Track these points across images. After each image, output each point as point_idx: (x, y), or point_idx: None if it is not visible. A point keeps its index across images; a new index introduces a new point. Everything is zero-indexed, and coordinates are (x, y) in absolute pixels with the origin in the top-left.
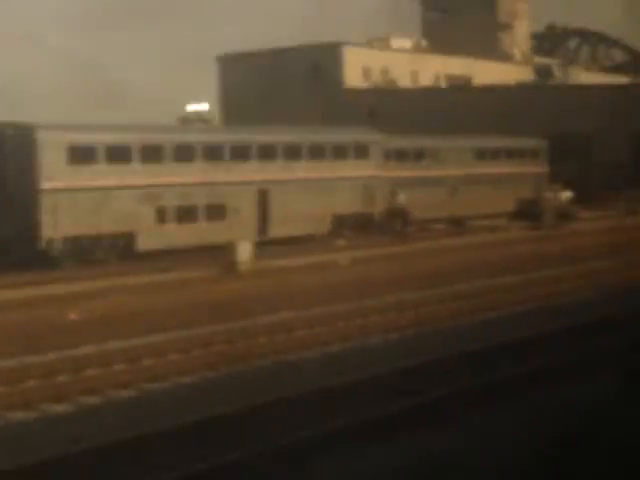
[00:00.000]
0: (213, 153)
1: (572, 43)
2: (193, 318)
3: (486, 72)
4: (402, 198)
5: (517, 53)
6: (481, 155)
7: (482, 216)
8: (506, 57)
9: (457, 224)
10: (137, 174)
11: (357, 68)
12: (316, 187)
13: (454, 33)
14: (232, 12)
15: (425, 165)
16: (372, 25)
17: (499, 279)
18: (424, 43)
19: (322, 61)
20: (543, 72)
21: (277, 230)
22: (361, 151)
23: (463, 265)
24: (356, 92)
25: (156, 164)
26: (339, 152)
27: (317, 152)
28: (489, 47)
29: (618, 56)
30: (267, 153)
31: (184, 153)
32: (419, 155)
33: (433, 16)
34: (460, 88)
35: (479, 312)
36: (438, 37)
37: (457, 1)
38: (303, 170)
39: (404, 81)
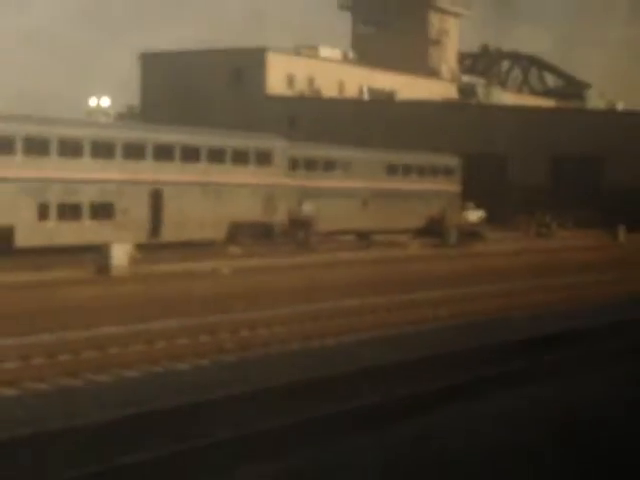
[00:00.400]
0: (103, 150)
1: (505, 65)
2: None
3: (412, 87)
4: (308, 208)
5: (445, 70)
6: (393, 169)
7: (391, 231)
8: (434, 73)
9: (363, 238)
10: (19, 166)
11: (281, 75)
12: (213, 192)
13: (383, 47)
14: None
15: (335, 176)
16: (303, 35)
17: (370, 298)
18: (352, 55)
19: (245, 65)
20: (467, 91)
21: (170, 234)
22: (263, 157)
23: (340, 281)
24: (278, 99)
25: (40, 157)
26: (239, 157)
27: (216, 155)
28: (418, 63)
29: (550, 80)
30: (163, 153)
31: (71, 148)
32: (329, 165)
33: (363, 29)
34: (382, 101)
35: (331, 335)
36: (367, 50)
37: (388, 15)
38: (200, 173)
39: (330, 91)
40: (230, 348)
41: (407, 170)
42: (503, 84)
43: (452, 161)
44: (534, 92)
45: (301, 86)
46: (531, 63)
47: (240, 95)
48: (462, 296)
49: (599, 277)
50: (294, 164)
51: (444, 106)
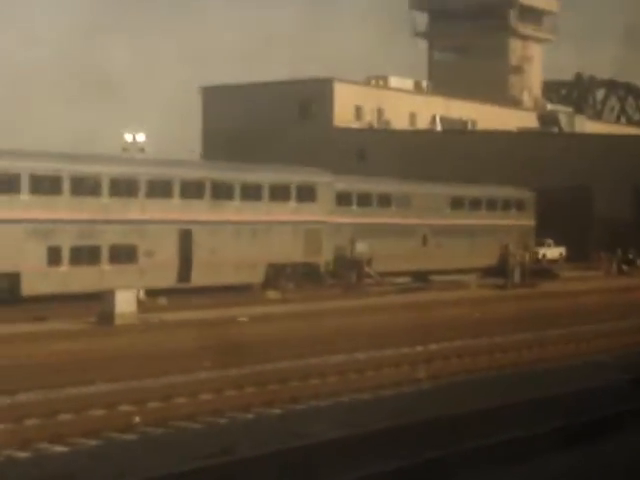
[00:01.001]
0: (124, 187)
1: (600, 94)
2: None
3: (491, 117)
4: (361, 247)
5: (527, 99)
6: (458, 204)
7: (455, 271)
8: (515, 102)
9: (421, 279)
10: (25, 206)
11: (349, 106)
12: (249, 231)
13: (461, 75)
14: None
15: (392, 212)
16: (378, 64)
17: (396, 349)
18: (425, 84)
19: (311, 97)
20: (547, 119)
21: (201, 277)
22: (306, 193)
23: (369, 329)
24: (346, 131)
25: (49, 196)
26: (278, 193)
27: (252, 192)
28: (498, 91)
29: None
30: (192, 190)
31: (86, 186)
32: (384, 200)
33: (439, 56)
34: (456, 132)
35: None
36: (444, 78)
37: (466, 42)
38: (234, 211)
39: (401, 123)
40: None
41: (473, 204)
42: (599, 114)
43: (524, 194)
44: (631, 122)
45: (370, 117)
46: (628, 92)
47: (307, 128)
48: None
49: None
50: (344, 199)
51: (521, 136)
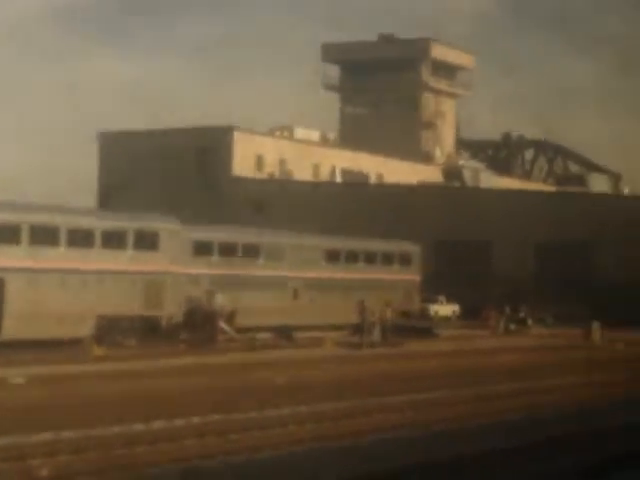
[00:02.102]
0: None
1: (528, 154)
2: None
3: (399, 171)
4: (220, 300)
5: (439, 153)
6: (333, 256)
7: (328, 326)
8: (427, 157)
9: (284, 334)
10: None
11: (249, 155)
12: (76, 280)
13: (374, 129)
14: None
15: (260, 263)
16: (292, 115)
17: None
18: (332, 136)
19: (210, 146)
20: (452, 174)
21: (14, 330)
22: (147, 241)
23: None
24: (244, 181)
25: None
26: (113, 239)
27: (79, 238)
28: (411, 145)
29: (575, 169)
30: (6, 235)
31: None
32: (252, 251)
33: (351, 110)
34: (356, 185)
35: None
36: (356, 132)
37: (379, 97)
38: (58, 258)
39: (305, 174)
40: None
41: (351, 257)
42: (528, 174)
43: (409, 248)
44: (558, 181)
45: (272, 168)
46: (556, 152)
47: (205, 177)
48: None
49: (529, 385)
50: (202, 249)
51: (421, 189)
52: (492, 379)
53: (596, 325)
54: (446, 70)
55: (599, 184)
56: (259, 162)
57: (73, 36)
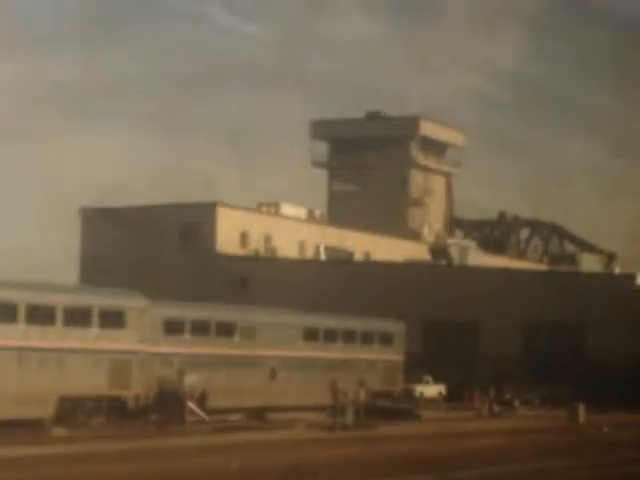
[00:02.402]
0: None
1: (523, 233)
2: None
3: (386, 249)
4: (191, 380)
5: (427, 231)
6: (312, 335)
7: (306, 407)
8: (415, 235)
9: (258, 416)
10: None
11: (234, 232)
12: (35, 359)
13: (361, 206)
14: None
15: (235, 342)
16: (279, 192)
17: None
18: (318, 213)
19: (194, 222)
20: (438, 252)
21: None
22: (113, 318)
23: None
24: (229, 259)
25: None
26: (76, 317)
27: (40, 314)
28: (398, 223)
29: (570, 248)
30: None
31: None
32: (227, 329)
33: (339, 186)
34: (340, 262)
35: None
36: (344, 209)
37: (367, 174)
38: (17, 336)
39: (290, 251)
40: None
41: (330, 336)
42: (522, 254)
43: (392, 327)
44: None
45: (257, 245)
46: (551, 231)
47: (188, 254)
48: None
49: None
50: (174, 327)
51: (408, 267)
52: (462, 464)
53: (581, 408)
54: (435, 147)
55: (591, 264)
56: (243, 238)
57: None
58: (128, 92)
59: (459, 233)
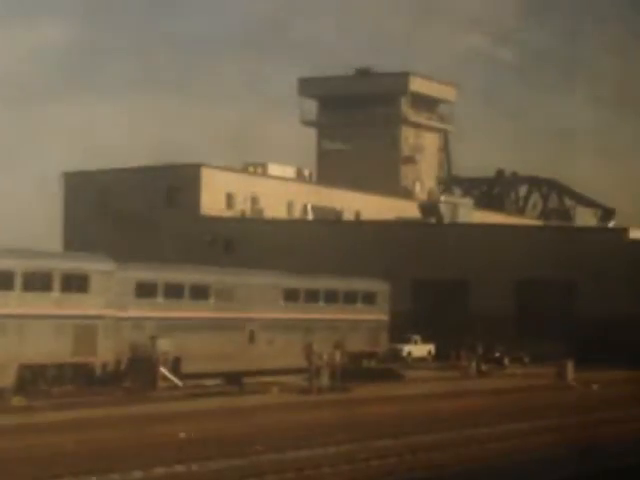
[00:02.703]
0: None
1: (522, 190)
2: None
3: (377, 208)
4: (164, 345)
5: (419, 189)
6: (292, 296)
7: (291, 371)
8: (407, 193)
9: (235, 381)
10: None
11: (219, 194)
12: None
13: (352, 165)
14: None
15: (210, 305)
16: (267, 151)
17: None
18: (307, 172)
19: (177, 184)
20: (428, 210)
21: None
22: (76, 282)
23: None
24: (212, 220)
25: None
26: (36, 282)
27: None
28: (390, 181)
29: (571, 205)
30: None
31: None
32: (201, 292)
33: (329, 145)
34: (328, 222)
35: None
36: (334, 168)
37: (357, 132)
38: None
39: (278, 212)
40: None
41: (312, 297)
42: (521, 211)
43: (376, 286)
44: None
45: (243, 206)
46: (550, 188)
47: (173, 216)
48: None
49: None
50: (145, 290)
51: (397, 226)
52: (430, 428)
53: (570, 365)
54: (426, 103)
55: (586, 219)
56: (229, 200)
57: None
58: (116, 52)
59: (457, 191)
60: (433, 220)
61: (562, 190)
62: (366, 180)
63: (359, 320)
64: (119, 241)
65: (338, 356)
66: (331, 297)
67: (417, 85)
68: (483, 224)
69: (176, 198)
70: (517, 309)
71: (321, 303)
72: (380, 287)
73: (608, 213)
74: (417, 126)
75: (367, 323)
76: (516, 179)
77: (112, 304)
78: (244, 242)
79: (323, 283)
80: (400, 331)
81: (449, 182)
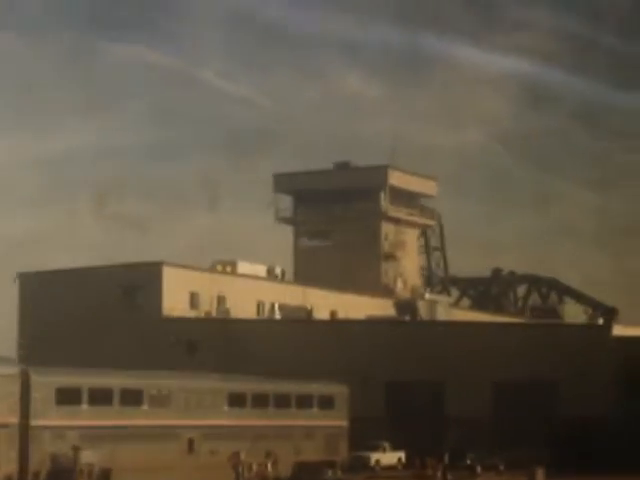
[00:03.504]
0: None
1: (521, 289)
2: None
3: (353, 306)
4: (88, 457)
5: (401, 286)
6: (238, 400)
7: None
8: (387, 290)
9: None
10: None
11: (182, 293)
12: None
13: (331, 262)
14: None
15: (142, 411)
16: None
17: None
18: (279, 270)
19: (138, 283)
20: (404, 308)
21: None
22: None
23: None
24: (175, 321)
25: None
26: None
27: None
28: (370, 279)
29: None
30: None
31: None
32: (132, 398)
33: (306, 242)
34: (298, 322)
35: None
36: (312, 266)
37: (335, 228)
38: None
39: (247, 312)
40: None
41: (261, 401)
42: (520, 311)
43: (333, 389)
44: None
45: (209, 307)
46: (551, 287)
47: (133, 318)
48: None
49: None
50: (68, 397)
51: (369, 325)
52: None
53: (540, 473)
54: (406, 198)
55: (575, 315)
56: (193, 300)
57: None
58: None
59: (455, 292)
60: (407, 318)
61: (563, 289)
62: (346, 278)
63: (315, 426)
64: (75, 344)
65: (270, 467)
66: (283, 401)
67: (396, 179)
68: (460, 322)
69: (137, 298)
70: (495, 412)
71: (271, 408)
72: (338, 390)
73: (611, 313)
74: (397, 221)
75: (324, 429)
76: (514, 278)
77: (16, 411)
78: (208, 343)
79: (273, 386)
80: (372, 437)
81: (446, 282)
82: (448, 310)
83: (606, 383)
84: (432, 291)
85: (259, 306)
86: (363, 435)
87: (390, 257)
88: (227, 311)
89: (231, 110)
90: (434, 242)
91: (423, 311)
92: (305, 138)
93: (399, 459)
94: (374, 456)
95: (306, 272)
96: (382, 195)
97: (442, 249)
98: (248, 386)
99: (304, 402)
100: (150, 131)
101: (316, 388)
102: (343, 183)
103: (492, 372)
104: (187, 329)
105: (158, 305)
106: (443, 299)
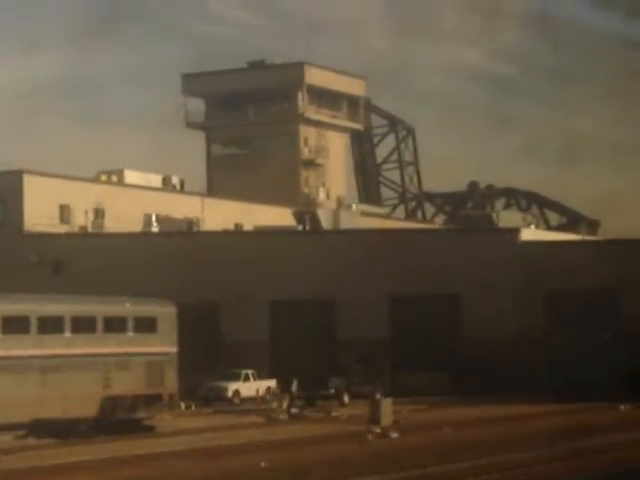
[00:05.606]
0: None
1: (499, 203)
2: None
3: (264, 219)
4: None
5: (324, 196)
6: (17, 326)
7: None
8: (309, 201)
9: None
10: None
11: (49, 205)
12: None
13: (246, 170)
14: None
15: None
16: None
17: None
18: (176, 180)
19: None
20: (303, 217)
21: None
22: None
23: None
24: (39, 237)
25: None
26: None
27: None
28: (290, 188)
29: (553, 218)
30: None
31: None
32: None
33: (220, 150)
34: (174, 234)
35: None
36: (225, 175)
37: (251, 133)
38: None
39: (133, 226)
40: None
41: (53, 326)
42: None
43: (157, 309)
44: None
45: (84, 221)
46: (530, 200)
47: None
48: None
49: None
50: None
51: (256, 237)
52: None
53: (387, 404)
54: (329, 99)
55: (512, 223)
56: (64, 214)
57: None
58: None
59: (430, 208)
60: (301, 228)
61: (543, 202)
62: (263, 188)
63: (131, 353)
64: None
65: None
66: (84, 325)
67: (315, 77)
68: (361, 230)
69: None
70: (392, 332)
71: (67, 334)
72: (162, 310)
73: (592, 225)
74: (318, 124)
75: (143, 357)
76: (492, 192)
77: None
78: (77, 262)
79: (70, 307)
80: (249, 365)
81: (420, 198)
82: (356, 219)
83: (513, 298)
84: (407, 209)
85: (147, 220)
86: (240, 362)
87: (311, 164)
88: (101, 225)
89: None
90: (408, 157)
91: (327, 221)
92: None
93: (268, 389)
94: (232, 386)
95: (220, 183)
96: (300, 95)
97: (416, 164)
98: (31, 307)
99: (113, 326)
100: None
101: (133, 308)
102: (257, 83)
103: (388, 286)
104: (54, 247)
105: (19, 220)
106: (379, 210)
